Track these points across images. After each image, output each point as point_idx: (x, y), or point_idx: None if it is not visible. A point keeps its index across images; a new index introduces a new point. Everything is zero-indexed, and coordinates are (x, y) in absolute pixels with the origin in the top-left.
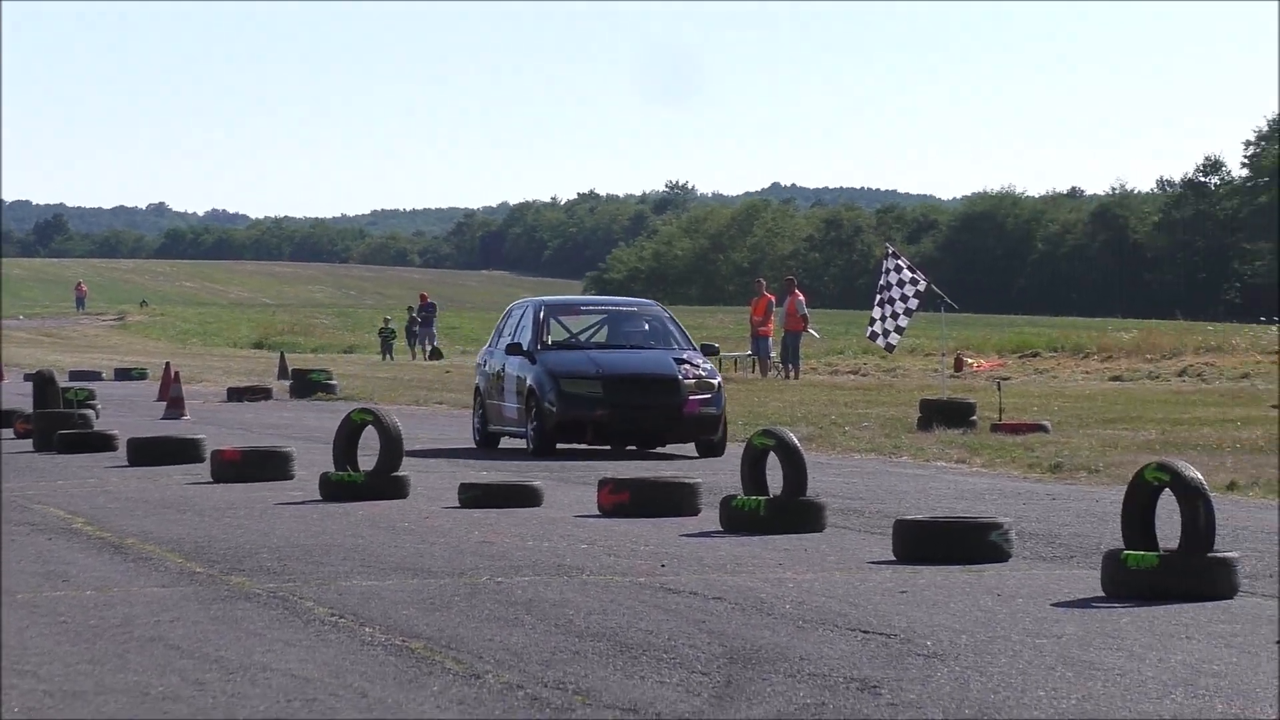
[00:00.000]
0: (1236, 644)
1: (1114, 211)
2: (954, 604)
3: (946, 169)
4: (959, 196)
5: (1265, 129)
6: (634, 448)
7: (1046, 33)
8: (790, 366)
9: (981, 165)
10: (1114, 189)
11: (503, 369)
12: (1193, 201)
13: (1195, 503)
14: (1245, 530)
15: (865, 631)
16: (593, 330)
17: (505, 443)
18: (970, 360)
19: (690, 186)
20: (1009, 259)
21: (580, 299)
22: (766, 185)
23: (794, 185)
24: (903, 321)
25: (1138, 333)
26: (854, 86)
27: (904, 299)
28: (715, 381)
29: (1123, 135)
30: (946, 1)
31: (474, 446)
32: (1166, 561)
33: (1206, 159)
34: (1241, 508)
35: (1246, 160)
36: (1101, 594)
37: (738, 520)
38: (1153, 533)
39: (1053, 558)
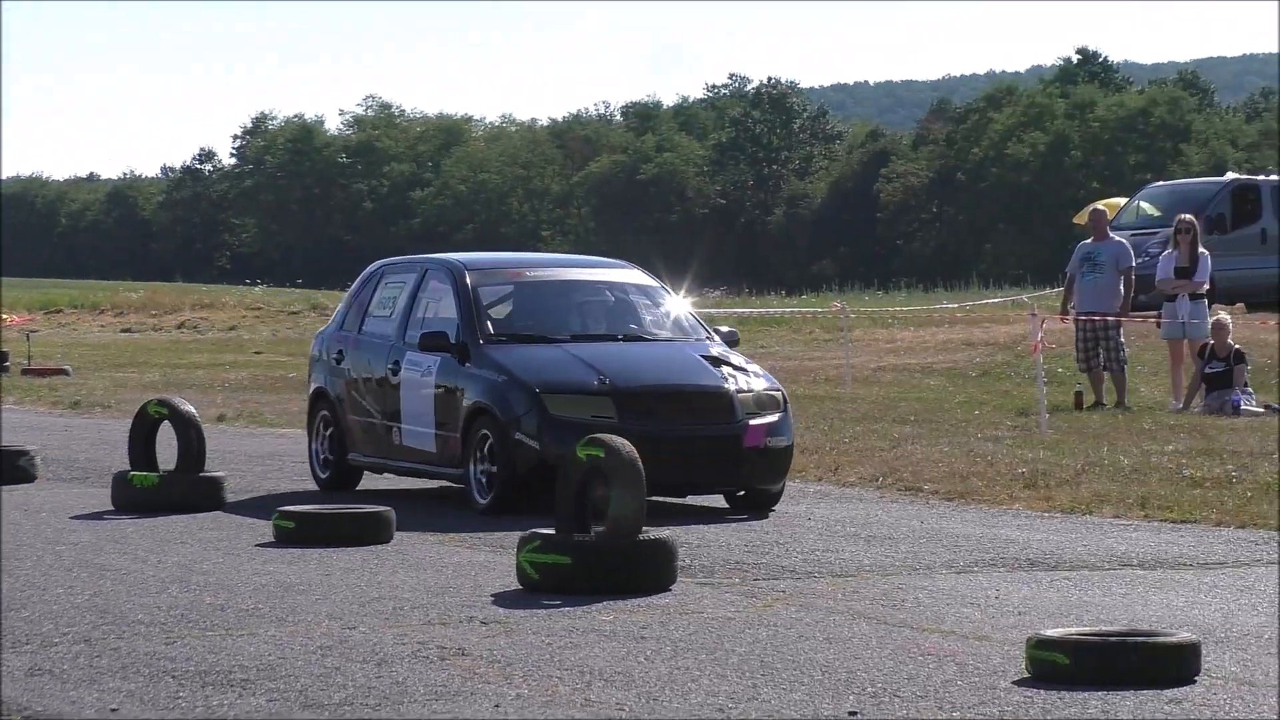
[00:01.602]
0: (222, 547)
1: (125, 192)
2: None
3: None
4: None
5: (250, 125)
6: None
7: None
8: None
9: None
10: (125, 174)
11: (397, 370)
12: (190, 184)
13: (189, 431)
14: (230, 454)
15: None
16: (502, 305)
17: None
18: (6, 316)
19: None
20: (36, 233)
21: (513, 257)
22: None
23: None
24: None
25: (145, 292)
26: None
27: None
28: (779, 395)
29: (131, 130)
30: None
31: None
32: (166, 480)
33: (201, 149)
34: (230, 436)
35: (234, 151)
36: (112, 508)
37: None
38: (154, 456)
39: (72, 479)
